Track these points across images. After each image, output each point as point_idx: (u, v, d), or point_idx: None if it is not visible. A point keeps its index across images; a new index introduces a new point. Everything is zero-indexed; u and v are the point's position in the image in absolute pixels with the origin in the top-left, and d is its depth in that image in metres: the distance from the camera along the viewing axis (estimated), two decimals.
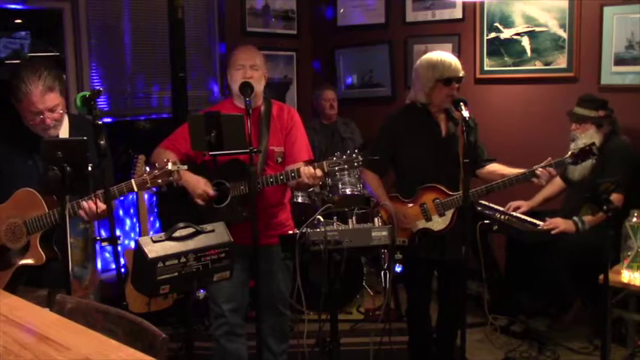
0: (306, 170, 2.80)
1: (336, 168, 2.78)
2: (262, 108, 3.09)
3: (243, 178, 2.89)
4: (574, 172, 3.84)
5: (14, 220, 2.61)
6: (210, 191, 2.91)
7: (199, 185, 2.92)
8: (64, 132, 2.72)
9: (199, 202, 2.93)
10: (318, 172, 2.80)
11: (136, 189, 2.56)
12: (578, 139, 3.72)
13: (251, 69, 3.01)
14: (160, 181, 2.52)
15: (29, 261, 2.62)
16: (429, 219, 3.15)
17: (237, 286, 3.03)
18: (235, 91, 2.99)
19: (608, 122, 3.80)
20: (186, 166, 2.58)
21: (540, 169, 2.99)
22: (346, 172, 4.55)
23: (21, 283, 2.66)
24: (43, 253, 2.59)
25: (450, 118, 3.18)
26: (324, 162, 2.79)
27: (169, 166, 2.50)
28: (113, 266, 4.58)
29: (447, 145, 3.15)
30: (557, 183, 4.06)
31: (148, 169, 2.59)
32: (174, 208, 3.06)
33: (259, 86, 3.02)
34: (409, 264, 3.34)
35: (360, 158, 2.76)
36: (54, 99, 2.58)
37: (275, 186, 2.94)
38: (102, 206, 2.54)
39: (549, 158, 3.02)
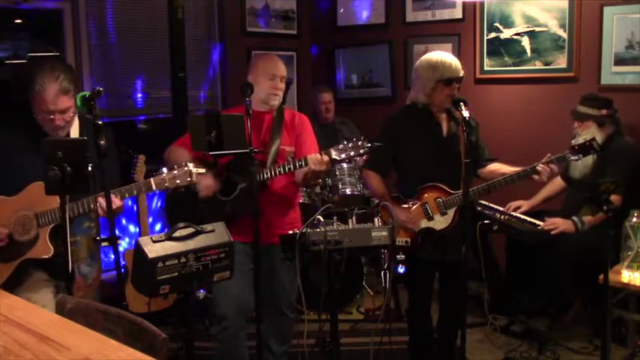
0: (313, 157, 2.82)
1: (343, 155, 2.80)
2: (274, 112, 3.15)
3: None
4: (575, 171, 3.85)
5: (25, 213, 2.62)
6: (215, 185, 2.96)
7: (206, 178, 2.94)
8: (74, 132, 2.74)
9: (204, 193, 2.95)
10: (325, 158, 2.81)
11: (154, 188, 2.59)
12: (579, 136, 3.72)
13: (281, 81, 3.11)
14: (178, 181, 2.55)
15: (37, 254, 2.63)
16: (430, 218, 3.15)
17: (241, 286, 3.03)
18: (259, 97, 3.06)
19: (610, 122, 3.79)
20: (204, 170, 2.60)
21: (541, 165, 2.99)
22: (346, 173, 4.55)
23: (25, 276, 2.67)
24: (51, 246, 2.61)
25: (452, 118, 3.18)
26: (332, 149, 2.81)
27: (190, 168, 2.53)
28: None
29: (449, 144, 3.15)
30: (558, 182, 4.06)
31: (165, 170, 2.61)
32: (180, 207, 3.07)
33: (281, 95, 3.13)
34: (411, 264, 3.34)
35: (367, 144, 2.77)
36: (67, 102, 2.60)
37: (284, 183, 2.94)
38: (117, 202, 2.59)
39: (549, 154, 3.02)
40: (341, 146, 2.80)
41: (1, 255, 2.65)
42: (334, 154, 2.80)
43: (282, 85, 3.13)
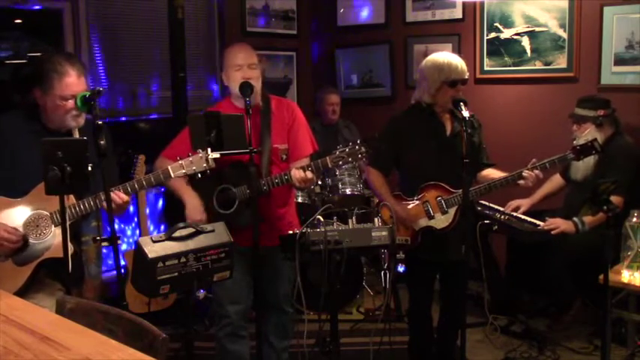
0: (297, 174, 2.80)
1: (340, 162, 2.77)
2: (261, 106, 3.06)
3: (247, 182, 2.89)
4: (577, 172, 3.84)
5: (38, 213, 2.58)
6: (203, 220, 2.94)
7: (197, 212, 2.95)
8: (75, 131, 2.72)
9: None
10: (309, 175, 2.80)
11: (172, 175, 2.61)
12: (579, 139, 3.72)
13: (249, 68, 2.98)
14: (195, 167, 2.58)
15: (55, 253, 2.57)
16: (431, 217, 3.15)
17: (243, 287, 3.03)
18: (235, 92, 2.96)
19: (609, 121, 3.78)
20: (218, 154, 2.61)
21: (526, 171, 3.00)
22: (346, 173, 4.55)
23: (41, 277, 2.63)
24: (72, 245, 2.55)
25: (455, 118, 3.18)
26: (328, 157, 2.78)
27: (207, 154, 2.57)
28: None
29: (451, 144, 3.15)
30: (557, 180, 4.06)
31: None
32: (180, 208, 3.05)
33: (258, 85, 3.00)
34: (412, 264, 3.34)
35: (364, 149, 2.75)
36: (85, 85, 2.62)
37: (280, 187, 2.93)
38: (124, 197, 2.60)
39: (534, 160, 3.05)
40: (337, 152, 2.77)
41: (16, 258, 2.57)
42: (331, 163, 2.77)
43: (253, 72, 2.97)
